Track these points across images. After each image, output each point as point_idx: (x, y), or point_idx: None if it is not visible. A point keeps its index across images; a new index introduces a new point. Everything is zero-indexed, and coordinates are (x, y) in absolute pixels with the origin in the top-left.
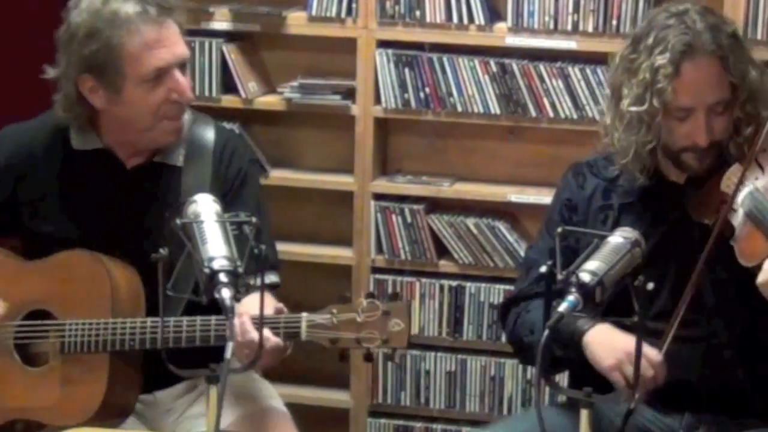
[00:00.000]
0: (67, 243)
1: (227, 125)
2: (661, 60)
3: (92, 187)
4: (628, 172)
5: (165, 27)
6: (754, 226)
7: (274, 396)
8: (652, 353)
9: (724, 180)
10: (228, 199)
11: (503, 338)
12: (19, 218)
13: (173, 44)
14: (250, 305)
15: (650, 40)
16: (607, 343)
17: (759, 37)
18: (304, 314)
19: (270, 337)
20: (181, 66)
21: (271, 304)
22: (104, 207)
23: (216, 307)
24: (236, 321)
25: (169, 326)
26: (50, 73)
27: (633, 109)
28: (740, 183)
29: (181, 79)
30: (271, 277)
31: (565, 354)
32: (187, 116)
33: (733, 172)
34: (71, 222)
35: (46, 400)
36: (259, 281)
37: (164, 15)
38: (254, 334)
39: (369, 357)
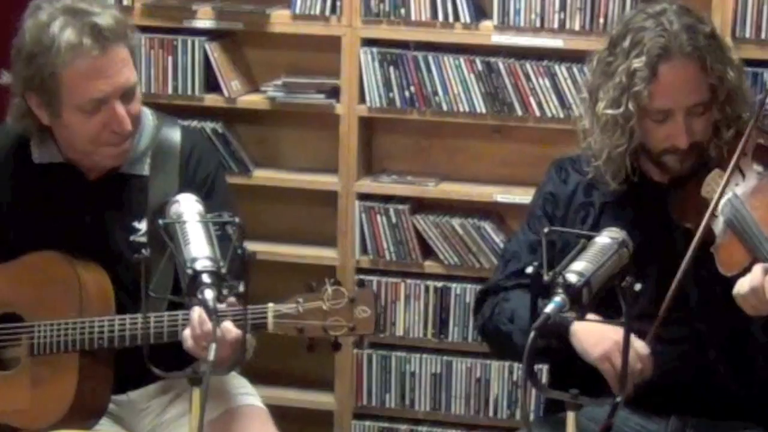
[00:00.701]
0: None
1: (210, 125)
2: (637, 63)
3: (55, 200)
4: (601, 176)
5: (106, 56)
6: (733, 234)
7: (252, 393)
8: (639, 345)
9: (704, 185)
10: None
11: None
12: None
13: (114, 74)
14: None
15: (626, 43)
16: (597, 332)
17: (747, 35)
18: (270, 304)
19: (231, 329)
20: (126, 94)
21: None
22: (68, 220)
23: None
24: (194, 314)
25: (125, 323)
26: (5, 78)
27: (609, 112)
28: (722, 190)
29: (120, 110)
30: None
31: (548, 343)
32: (151, 123)
33: (713, 178)
34: (35, 234)
35: (17, 403)
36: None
37: (105, 43)
38: (210, 325)
39: (337, 345)
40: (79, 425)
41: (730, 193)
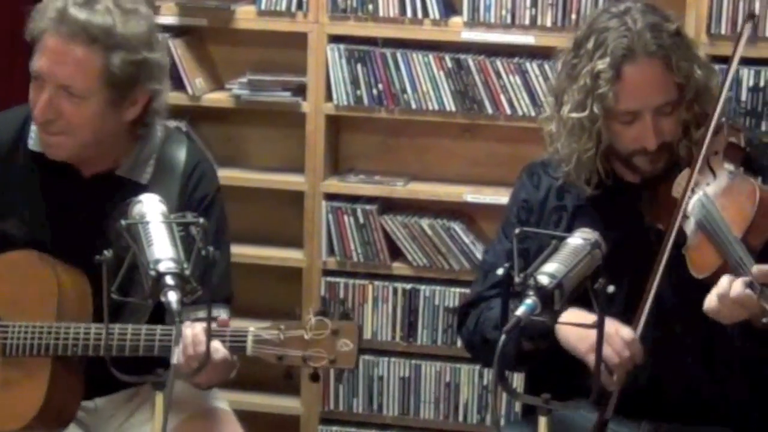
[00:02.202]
0: (19, 244)
1: (173, 123)
2: (601, 65)
3: (49, 192)
4: (572, 181)
5: (62, 44)
6: (704, 236)
7: (218, 397)
8: (625, 332)
9: (674, 185)
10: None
11: (459, 343)
12: None
13: (56, 62)
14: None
15: (590, 44)
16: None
17: (723, 32)
18: (251, 328)
19: (219, 349)
20: (60, 88)
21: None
22: (60, 214)
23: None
24: (188, 332)
25: (113, 334)
26: None
27: (574, 115)
28: (689, 189)
29: (41, 95)
30: (220, 311)
31: (535, 345)
32: (159, 133)
33: (683, 177)
34: (24, 223)
35: None
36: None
37: (66, 31)
38: (202, 348)
39: (315, 377)
40: (45, 431)
41: (700, 193)
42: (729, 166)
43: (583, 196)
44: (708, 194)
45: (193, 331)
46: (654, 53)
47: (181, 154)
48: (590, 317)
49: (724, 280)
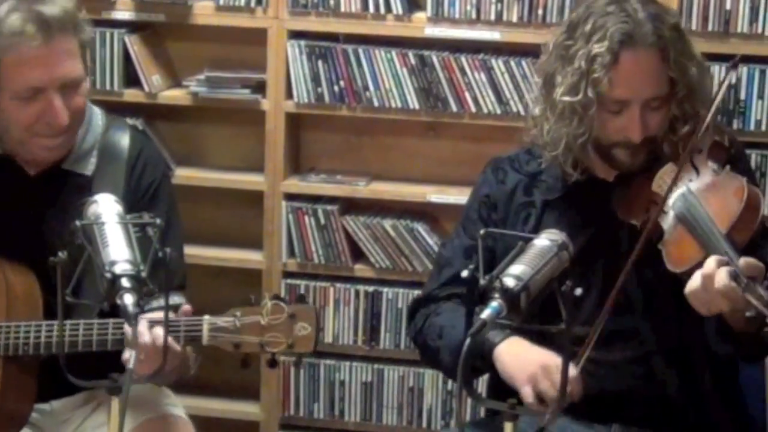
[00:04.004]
0: None
1: (130, 121)
2: (598, 48)
3: None
4: (557, 166)
5: (48, 45)
6: (685, 230)
7: (175, 404)
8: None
9: (656, 179)
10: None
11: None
12: None
13: (54, 65)
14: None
15: (588, 27)
16: (522, 356)
17: (694, 28)
18: (206, 317)
19: (160, 335)
20: (67, 86)
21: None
22: (6, 214)
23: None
24: (143, 327)
25: (65, 330)
26: None
27: (566, 99)
28: (673, 184)
29: (57, 102)
30: (175, 299)
31: (473, 364)
32: (99, 121)
33: (666, 172)
34: None
35: None
36: (163, 301)
37: (49, 32)
38: (148, 337)
39: (273, 363)
40: None
41: (683, 188)
42: (713, 165)
43: (552, 191)
44: (691, 189)
45: (148, 325)
46: (653, 44)
47: (124, 142)
48: (532, 350)
49: (711, 261)
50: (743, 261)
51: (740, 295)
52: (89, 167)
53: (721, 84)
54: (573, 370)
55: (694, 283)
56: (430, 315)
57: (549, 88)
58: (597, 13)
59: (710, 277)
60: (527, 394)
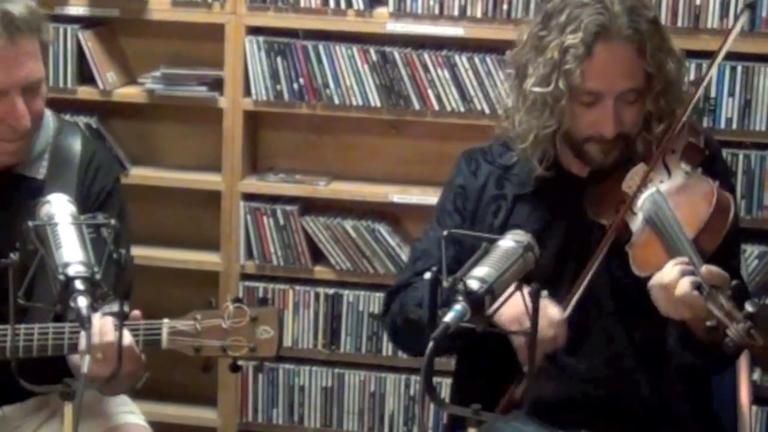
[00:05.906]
0: None
1: (83, 119)
2: (572, 39)
3: None
4: (527, 158)
5: (13, 46)
6: (652, 233)
7: (134, 411)
8: (553, 311)
9: (626, 179)
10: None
11: (384, 351)
12: None
13: (18, 66)
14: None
15: (563, 18)
16: (510, 302)
17: (663, 23)
18: (166, 320)
19: (127, 338)
20: (28, 88)
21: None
22: None
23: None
24: (96, 322)
25: (19, 334)
26: None
27: (537, 89)
28: (642, 184)
29: (20, 105)
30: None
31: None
32: (50, 124)
33: (637, 172)
34: None
35: None
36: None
37: (14, 33)
38: (112, 336)
39: (236, 367)
40: None
41: (653, 189)
42: (686, 167)
43: (524, 185)
44: (661, 191)
45: (101, 320)
46: (629, 37)
47: (76, 146)
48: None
49: (672, 267)
50: (705, 269)
51: (702, 304)
52: (41, 171)
53: (734, 25)
54: (559, 314)
55: (655, 290)
56: (407, 293)
57: (521, 79)
58: (573, 4)
59: (671, 285)
60: (515, 329)
